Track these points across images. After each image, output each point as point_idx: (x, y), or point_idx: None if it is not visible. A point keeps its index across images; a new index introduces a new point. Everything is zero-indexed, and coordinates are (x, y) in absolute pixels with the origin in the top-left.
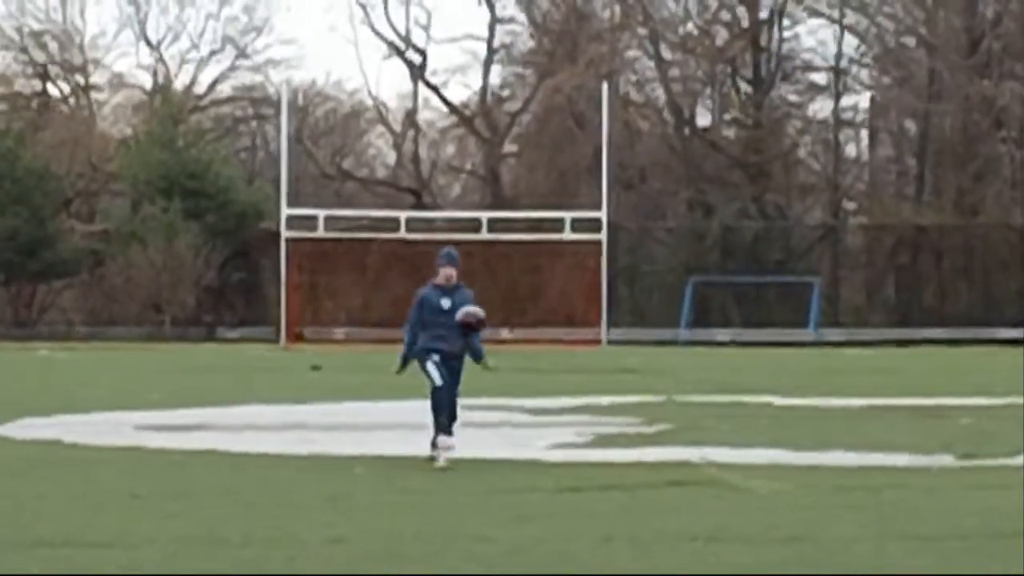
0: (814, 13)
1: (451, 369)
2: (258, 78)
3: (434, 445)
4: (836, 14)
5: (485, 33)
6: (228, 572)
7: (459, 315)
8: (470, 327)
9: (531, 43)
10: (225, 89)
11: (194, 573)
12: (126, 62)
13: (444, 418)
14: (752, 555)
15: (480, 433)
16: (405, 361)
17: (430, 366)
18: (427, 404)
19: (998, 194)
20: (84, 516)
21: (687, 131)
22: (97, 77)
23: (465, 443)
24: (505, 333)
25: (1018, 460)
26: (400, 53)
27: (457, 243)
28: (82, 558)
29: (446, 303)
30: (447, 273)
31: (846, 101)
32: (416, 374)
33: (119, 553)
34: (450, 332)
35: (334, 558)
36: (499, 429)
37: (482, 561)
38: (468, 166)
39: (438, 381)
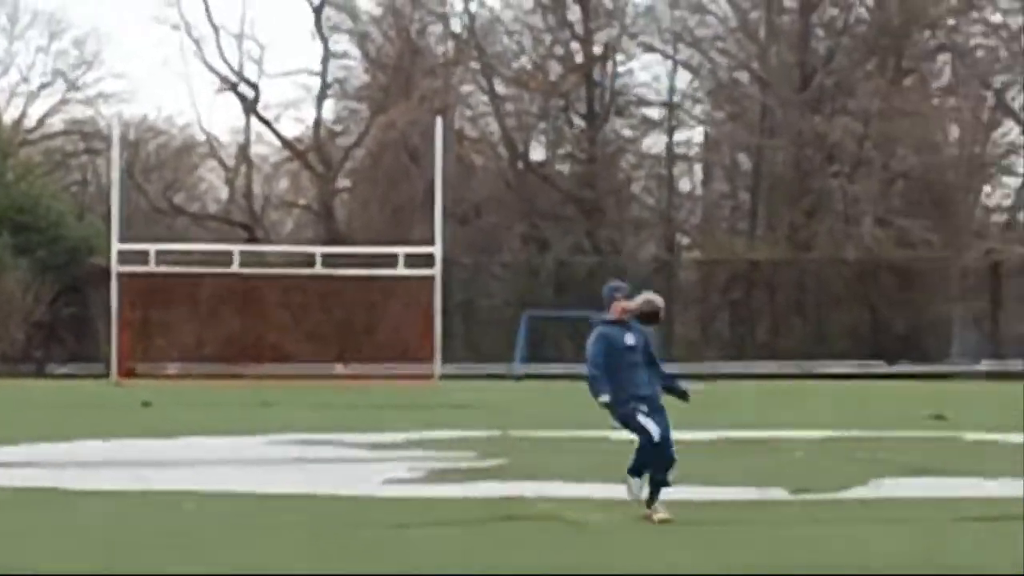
0: (648, 48)
1: (661, 414)
2: (89, 112)
3: (650, 505)
4: (670, 49)
5: (319, 67)
6: None
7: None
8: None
9: (365, 77)
10: (56, 123)
11: None
12: None
13: (660, 475)
14: None
15: (314, 468)
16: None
17: (642, 418)
18: (251, 440)
19: (830, 229)
20: None
21: (521, 166)
22: None
23: (299, 479)
24: (339, 368)
25: (849, 493)
26: (233, 87)
27: (290, 278)
28: None
29: (631, 339)
30: (626, 307)
31: (679, 136)
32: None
33: None
34: (643, 373)
35: None
36: (334, 464)
37: None
38: (301, 201)
39: (656, 434)
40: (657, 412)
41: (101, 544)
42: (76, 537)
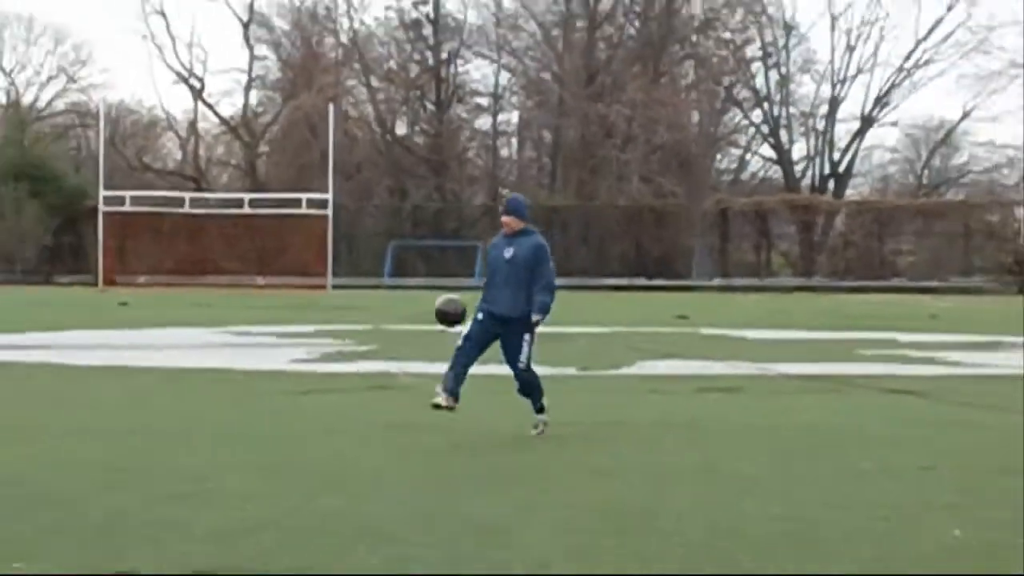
0: (479, 55)
1: (488, 332)
2: (83, 97)
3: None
4: (495, 56)
5: (246, 66)
6: (46, 451)
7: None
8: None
9: (278, 74)
10: (59, 104)
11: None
12: None
13: (448, 373)
14: (429, 440)
15: (240, 352)
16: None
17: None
18: (196, 331)
19: (609, 185)
20: None
21: (389, 138)
22: None
23: (229, 358)
24: (259, 280)
25: (620, 371)
26: (185, 80)
27: (224, 217)
28: None
29: (509, 252)
30: (504, 220)
31: (502, 117)
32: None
33: None
34: (504, 289)
35: (129, 442)
36: (254, 349)
37: (231, 445)
38: (233, 161)
39: (465, 332)
40: (486, 329)
41: (84, 403)
42: (63, 399)
